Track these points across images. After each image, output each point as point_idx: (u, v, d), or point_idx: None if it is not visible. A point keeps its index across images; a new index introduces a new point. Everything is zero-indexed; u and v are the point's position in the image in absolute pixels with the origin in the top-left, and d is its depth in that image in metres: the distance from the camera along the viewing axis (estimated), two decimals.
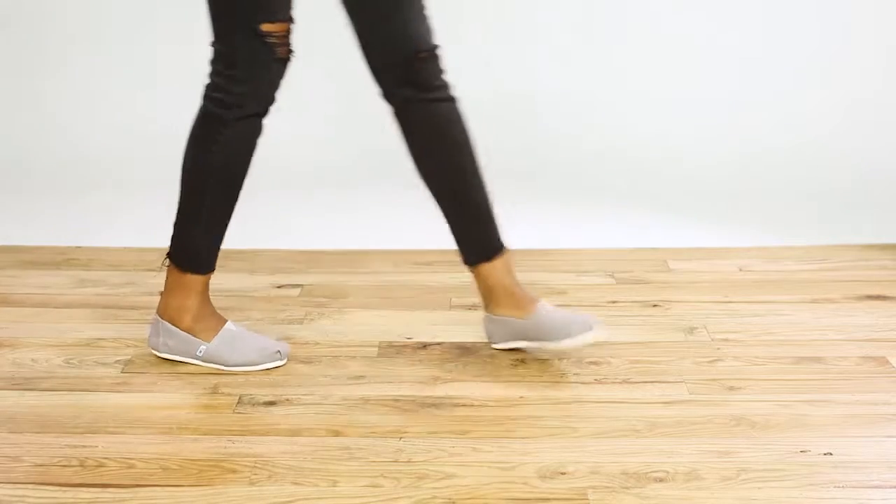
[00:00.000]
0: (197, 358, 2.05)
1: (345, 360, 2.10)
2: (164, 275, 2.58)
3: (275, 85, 1.91)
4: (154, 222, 3.06)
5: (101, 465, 1.69)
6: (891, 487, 1.62)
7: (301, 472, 1.67)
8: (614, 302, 2.40)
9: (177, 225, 2.05)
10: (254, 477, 1.65)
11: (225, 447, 1.74)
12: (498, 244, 2.08)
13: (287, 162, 3.60)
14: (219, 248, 2.07)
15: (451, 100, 2.00)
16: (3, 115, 3.79)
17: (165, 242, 2.82)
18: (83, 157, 3.62)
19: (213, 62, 1.92)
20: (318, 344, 2.18)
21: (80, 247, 2.79)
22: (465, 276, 2.52)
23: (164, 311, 2.07)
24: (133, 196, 3.33)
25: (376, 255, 2.71)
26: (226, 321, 2.08)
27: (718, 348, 2.14)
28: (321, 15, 3.79)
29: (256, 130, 1.96)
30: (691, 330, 2.23)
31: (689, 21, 3.72)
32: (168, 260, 2.08)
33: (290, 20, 1.89)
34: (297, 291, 2.48)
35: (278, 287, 2.51)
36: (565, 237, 2.89)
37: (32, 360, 2.09)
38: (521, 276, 2.54)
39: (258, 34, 1.83)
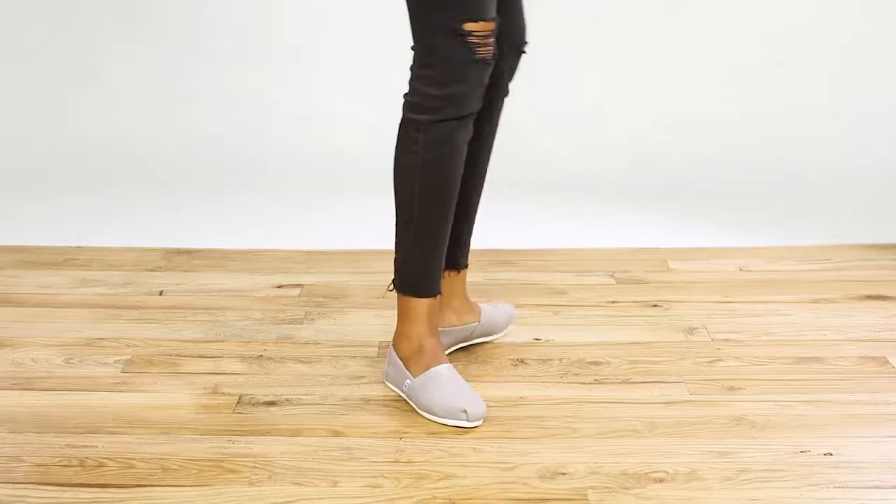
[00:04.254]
0: (403, 392, 1.91)
1: (345, 360, 2.10)
2: (163, 274, 2.59)
3: (474, 88, 1.77)
4: (154, 222, 3.08)
5: (101, 465, 1.69)
6: (891, 487, 1.62)
7: (301, 472, 1.67)
8: (614, 302, 2.40)
9: (396, 244, 1.92)
10: (254, 477, 1.65)
11: (225, 447, 1.75)
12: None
13: (288, 162, 3.61)
14: (439, 270, 1.91)
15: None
16: (3, 116, 3.79)
17: (165, 242, 2.84)
18: (83, 156, 3.62)
19: (413, 65, 1.80)
20: (318, 344, 2.18)
21: (80, 247, 2.79)
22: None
23: (393, 338, 1.96)
24: (133, 196, 3.33)
25: (376, 255, 2.71)
26: (443, 362, 1.91)
27: (718, 348, 2.14)
28: (329, 15, 3.80)
29: (456, 136, 1.81)
30: (691, 330, 2.23)
31: (690, 21, 3.71)
32: (392, 284, 1.95)
33: (493, 20, 1.76)
34: (297, 291, 2.48)
35: (278, 287, 2.51)
36: (565, 237, 2.89)
37: (32, 360, 2.09)
38: (522, 276, 2.57)
39: (460, 34, 1.72)
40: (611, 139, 3.64)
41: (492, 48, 1.76)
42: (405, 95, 1.82)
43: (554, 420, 1.84)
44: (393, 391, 1.95)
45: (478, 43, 1.73)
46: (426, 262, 1.89)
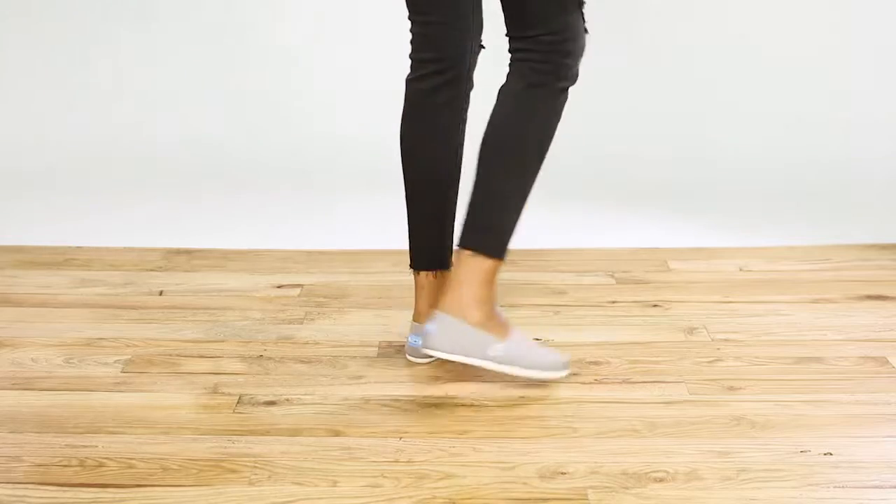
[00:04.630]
0: (488, 358, 1.88)
1: (345, 360, 2.10)
2: (163, 274, 2.59)
3: (579, 60, 1.92)
4: (154, 222, 3.08)
5: (101, 465, 1.69)
6: (890, 487, 1.62)
7: (301, 472, 1.67)
8: (614, 302, 2.40)
9: (488, 208, 1.91)
10: (254, 477, 1.65)
11: (225, 447, 1.75)
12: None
13: (288, 162, 3.61)
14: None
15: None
16: (2, 116, 3.79)
17: (165, 242, 2.84)
18: (83, 157, 3.62)
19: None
20: (318, 344, 2.18)
21: (80, 247, 2.79)
22: None
23: (451, 306, 1.87)
24: (133, 196, 3.33)
25: (376, 255, 2.71)
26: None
27: (718, 348, 2.14)
28: (329, 15, 3.80)
29: (562, 105, 1.94)
30: (691, 330, 2.23)
31: (691, 21, 3.71)
32: (467, 248, 1.90)
33: None
34: (297, 291, 2.48)
35: (278, 287, 2.51)
36: (565, 237, 2.89)
37: (32, 359, 2.10)
38: (522, 276, 2.56)
39: (580, 4, 1.88)
40: (610, 139, 3.64)
41: None
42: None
43: (554, 420, 1.84)
44: (454, 360, 1.89)
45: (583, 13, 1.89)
46: (513, 226, 1.94)
